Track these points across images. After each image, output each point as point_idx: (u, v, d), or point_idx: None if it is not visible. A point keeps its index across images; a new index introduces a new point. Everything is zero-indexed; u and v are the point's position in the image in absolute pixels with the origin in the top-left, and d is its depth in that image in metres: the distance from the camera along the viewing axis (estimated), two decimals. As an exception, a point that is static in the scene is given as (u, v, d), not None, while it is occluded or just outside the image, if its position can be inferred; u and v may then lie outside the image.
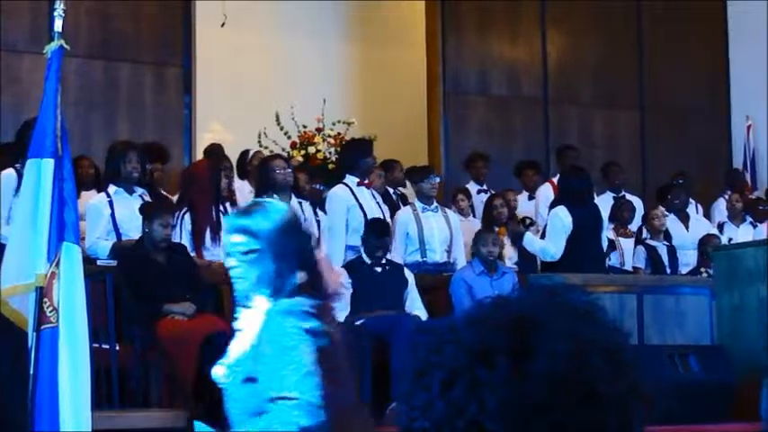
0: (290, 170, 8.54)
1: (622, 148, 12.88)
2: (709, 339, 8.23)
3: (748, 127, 13.09)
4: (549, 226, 8.97)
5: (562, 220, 8.73)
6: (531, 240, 9.12)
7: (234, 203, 8.57)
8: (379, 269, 8.05)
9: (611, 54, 13.04)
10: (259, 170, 8.83)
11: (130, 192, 8.11)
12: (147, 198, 8.19)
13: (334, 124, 11.55)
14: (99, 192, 8.43)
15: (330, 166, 11.00)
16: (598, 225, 8.94)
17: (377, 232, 8.18)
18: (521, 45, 12.70)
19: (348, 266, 8.09)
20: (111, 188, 8.09)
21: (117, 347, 6.62)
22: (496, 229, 9.46)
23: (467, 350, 1.39)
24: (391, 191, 10.07)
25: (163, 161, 9.73)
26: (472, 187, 11.01)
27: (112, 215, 7.98)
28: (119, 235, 7.91)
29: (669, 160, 12.85)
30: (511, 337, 1.39)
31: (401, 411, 1.43)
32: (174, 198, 8.68)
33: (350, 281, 7.86)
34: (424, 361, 1.42)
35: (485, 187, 11.03)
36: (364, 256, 8.14)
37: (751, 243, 8.65)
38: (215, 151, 9.85)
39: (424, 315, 7.96)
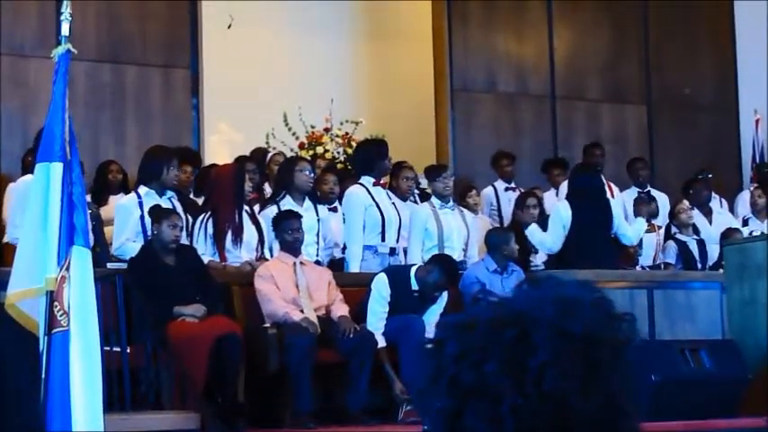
0: (312, 175, 8.60)
1: (630, 144, 12.86)
2: (720, 334, 8.22)
3: (757, 121, 13.05)
4: (549, 219, 9.20)
5: (560, 214, 8.96)
6: (532, 232, 9.21)
7: (263, 205, 8.58)
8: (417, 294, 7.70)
9: (619, 49, 13.02)
10: (282, 169, 8.84)
11: (161, 194, 8.07)
12: (177, 202, 8.15)
13: (342, 124, 11.54)
14: (128, 194, 8.43)
15: (339, 165, 10.98)
16: (607, 221, 8.93)
17: (450, 274, 7.69)
18: (528, 41, 12.69)
19: (390, 275, 7.70)
20: (142, 189, 8.08)
21: (128, 350, 6.63)
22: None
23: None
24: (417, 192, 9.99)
25: (194, 166, 9.50)
26: (499, 185, 11.03)
27: (141, 217, 7.95)
28: (146, 237, 7.81)
29: (677, 155, 12.84)
30: (508, 335, 1.45)
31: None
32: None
33: (389, 291, 7.57)
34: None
35: (512, 185, 11.02)
36: (413, 281, 7.66)
37: (761, 237, 8.62)
38: (252, 156, 9.84)
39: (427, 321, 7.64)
